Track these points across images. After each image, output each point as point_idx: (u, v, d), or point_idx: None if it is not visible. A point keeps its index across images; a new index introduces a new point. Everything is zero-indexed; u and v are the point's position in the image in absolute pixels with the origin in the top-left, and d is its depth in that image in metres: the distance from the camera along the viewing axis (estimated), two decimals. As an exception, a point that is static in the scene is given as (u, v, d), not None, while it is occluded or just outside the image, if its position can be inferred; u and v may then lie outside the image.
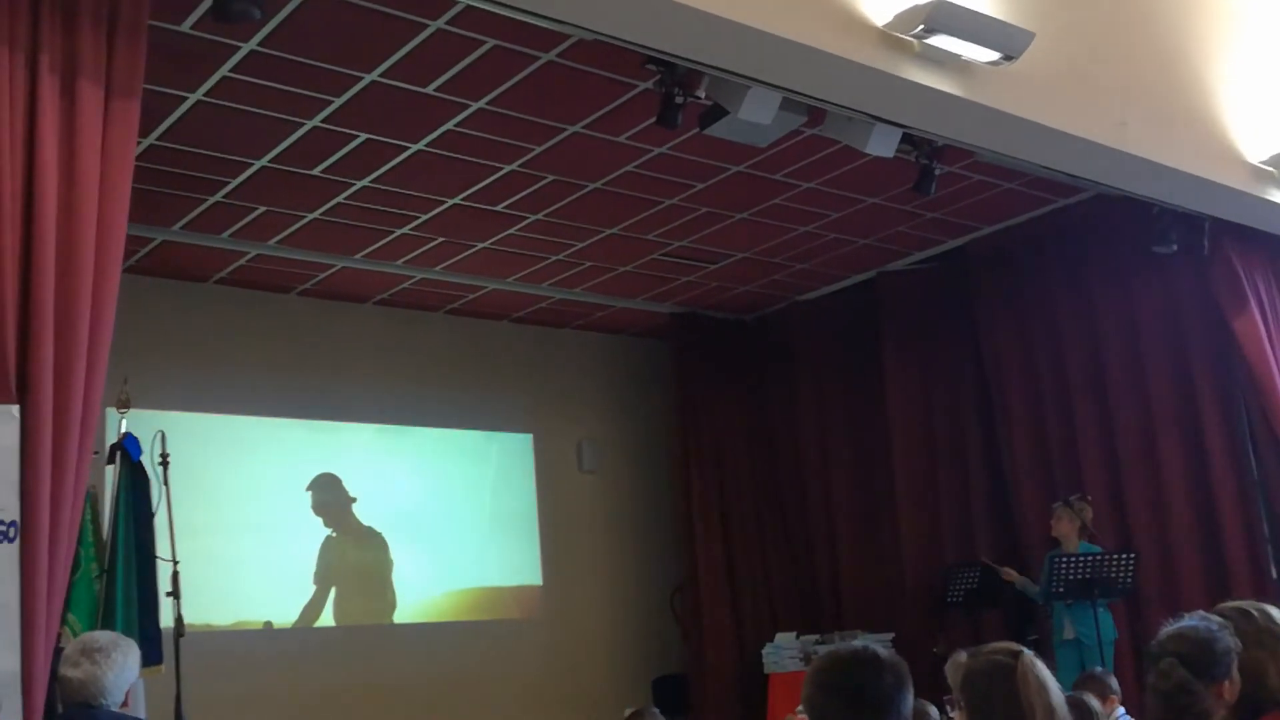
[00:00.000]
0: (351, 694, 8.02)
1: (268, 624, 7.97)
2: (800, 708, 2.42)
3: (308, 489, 8.35)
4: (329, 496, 8.43)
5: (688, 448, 9.45)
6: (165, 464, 5.53)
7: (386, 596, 8.59)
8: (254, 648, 7.72)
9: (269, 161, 6.30)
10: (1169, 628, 2.85)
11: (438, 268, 8.12)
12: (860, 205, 7.52)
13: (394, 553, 8.64)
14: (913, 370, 8.81)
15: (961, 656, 2.51)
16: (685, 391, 9.59)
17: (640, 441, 9.96)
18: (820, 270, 8.79)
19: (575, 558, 9.46)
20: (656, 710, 5.21)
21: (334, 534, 8.43)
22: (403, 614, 8.62)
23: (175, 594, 5.43)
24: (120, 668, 3.84)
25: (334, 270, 7.98)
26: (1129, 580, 6.89)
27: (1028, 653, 2.45)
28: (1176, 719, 2.68)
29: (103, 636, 3.97)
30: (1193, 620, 2.85)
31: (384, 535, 8.63)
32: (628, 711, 5.29)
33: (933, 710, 4.28)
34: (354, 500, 8.53)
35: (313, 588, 8.28)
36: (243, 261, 7.70)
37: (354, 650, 8.23)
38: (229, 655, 7.24)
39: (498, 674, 8.76)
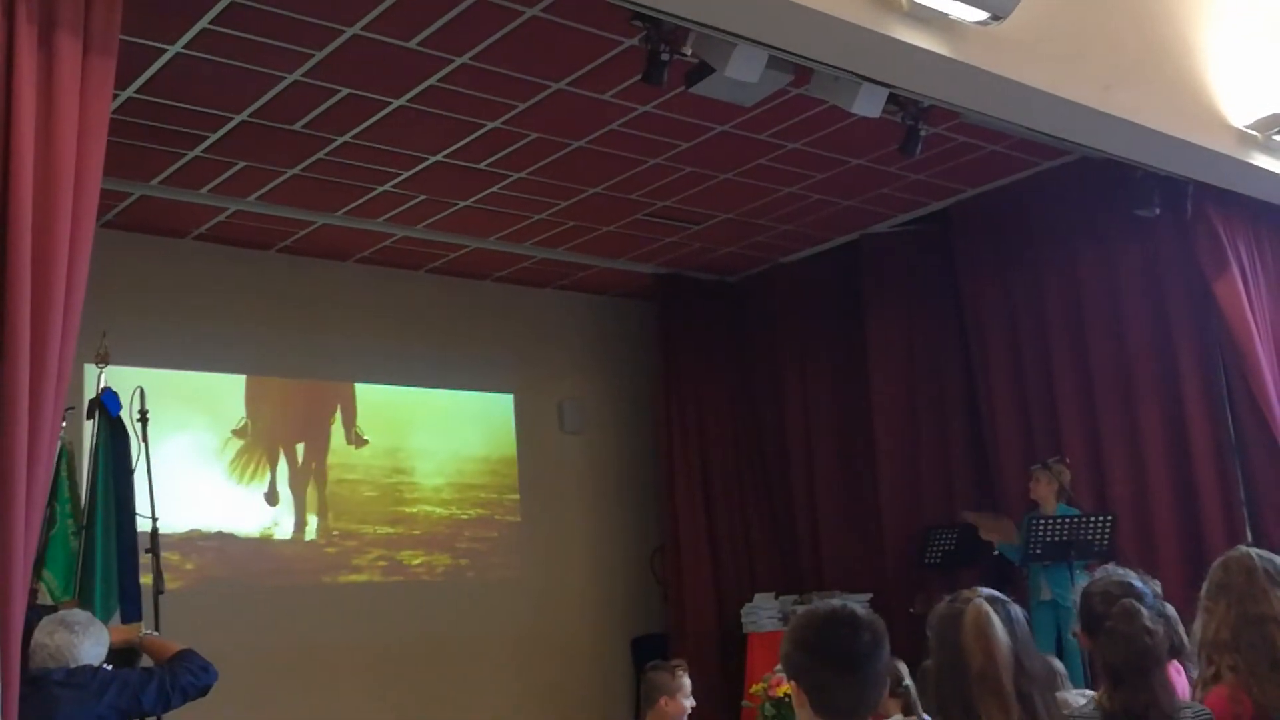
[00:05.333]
0: (332, 651, 8.04)
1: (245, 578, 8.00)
2: (779, 666, 2.43)
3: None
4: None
5: (670, 408, 9.46)
6: (144, 420, 5.49)
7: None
8: (234, 605, 7.70)
9: (249, 116, 6.23)
10: None
11: (419, 226, 8.07)
12: (845, 166, 7.49)
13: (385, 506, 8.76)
14: (895, 332, 8.83)
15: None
16: (668, 352, 9.58)
17: (622, 402, 9.97)
18: (804, 232, 8.77)
19: (556, 518, 9.49)
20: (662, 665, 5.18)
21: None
22: (391, 572, 8.64)
23: (154, 551, 5.42)
24: (95, 642, 3.89)
25: (314, 227, 7.92)
26: (1106, 542, 6.94)
27: (979, 601, 2.47)
28: None
29: (81, 614, 4.09)
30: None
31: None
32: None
33: (902, 667, 4.33)
34: (366, 442, 8.63)
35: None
36: (222, 218, 7.63)
37: (336, 607, 8.25)
38: (209, 612, 7.22)
39: (479, 633, 8.80)
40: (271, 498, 8.22)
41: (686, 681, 4.96)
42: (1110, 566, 3.13)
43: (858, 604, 2.46)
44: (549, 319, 9.74)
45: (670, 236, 8.69)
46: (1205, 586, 3.24)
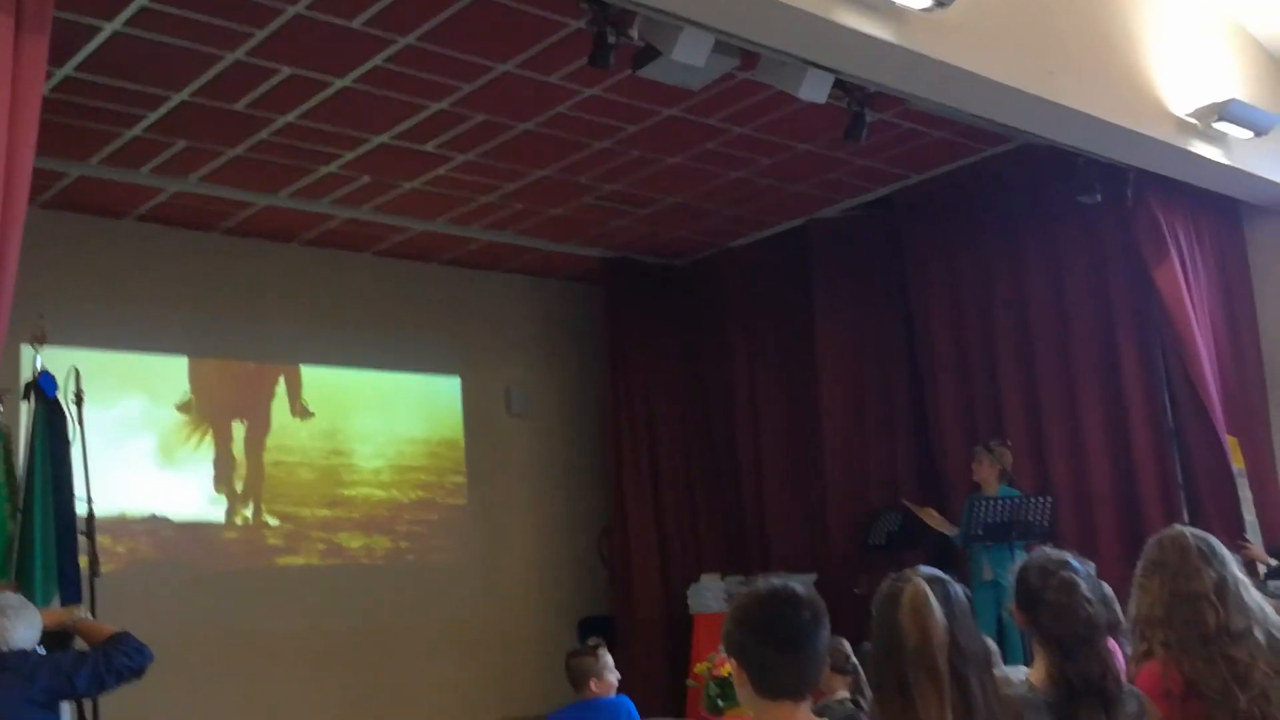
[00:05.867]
0: (276, 635, 7.99)
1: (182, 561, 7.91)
2: (722, 646, 2.44)
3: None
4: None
5: (617, 392, 9.47)
6: (80, 401, 5.41)
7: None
8: (170, 587, 7.61)
9: (189, 95, 6.14)
10: None
11: (365, 207, 8.00)
12: (792, 151, 7.51)
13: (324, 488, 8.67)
14: (842, 317, 8.88)
15: None
16: (615, 336, 9.58)
17: (570, 385, 9.96)
18: (751, 216, 8.79)
19: (503, 501, 9.47)
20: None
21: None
22: (330, 555, 8.59)
23: (90, 533, 5.35)
24: (27, 625, 3.86)
25: (257, 208, 7.83)
26: (1046, 523, 7.04)
27: (918, 580, 2.49)
28: None
29: (13, 598, 4.07)
30: None
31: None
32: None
33: (845, 645, 4.39)
34: (312, 415, 8.54)
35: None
36: (162, 198, 7.52)
37: (274, 590, 8.19)
38: (146, 595, 7.14)
39: (426, 616, 8.77)
40: (212, 480, 8.12)
41: (608, 658, 5.12)
42: (1045, 548, 3.17)
43: (798, 583, 2.47)
44: (496, 302, 9.70)
45: (618, 220, 8.68)
46: (1140, 564, 3.27)
